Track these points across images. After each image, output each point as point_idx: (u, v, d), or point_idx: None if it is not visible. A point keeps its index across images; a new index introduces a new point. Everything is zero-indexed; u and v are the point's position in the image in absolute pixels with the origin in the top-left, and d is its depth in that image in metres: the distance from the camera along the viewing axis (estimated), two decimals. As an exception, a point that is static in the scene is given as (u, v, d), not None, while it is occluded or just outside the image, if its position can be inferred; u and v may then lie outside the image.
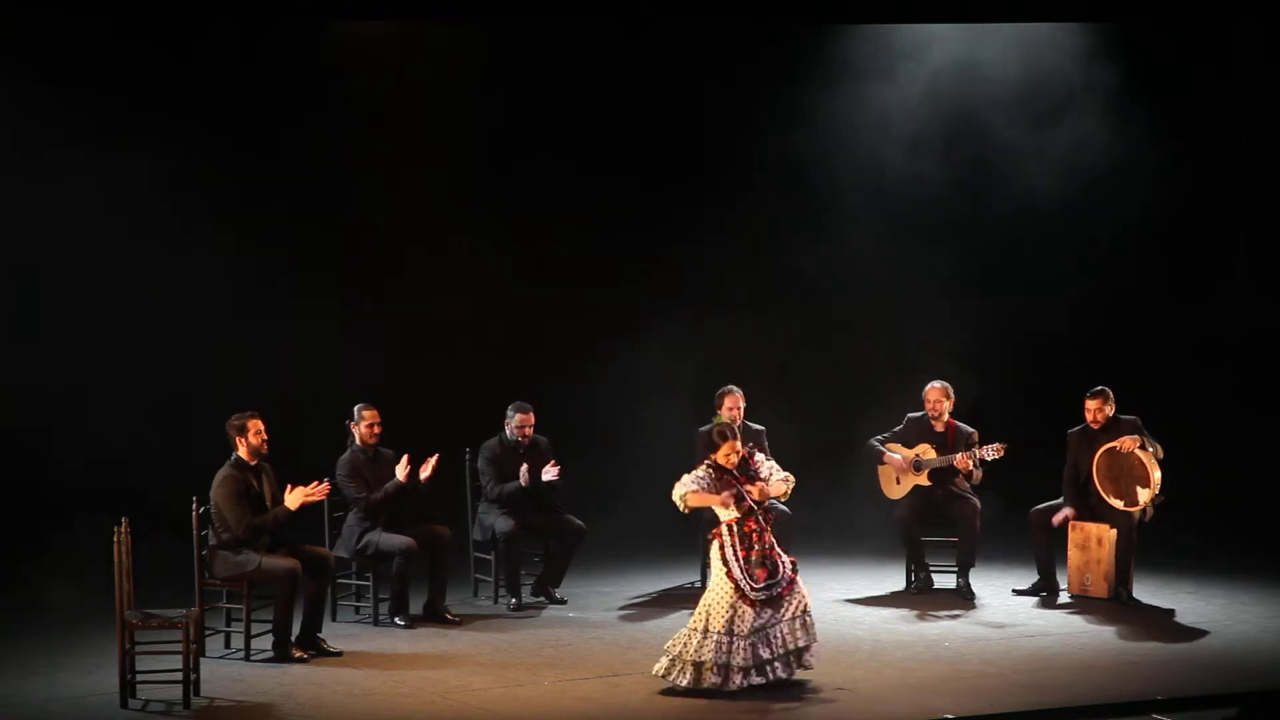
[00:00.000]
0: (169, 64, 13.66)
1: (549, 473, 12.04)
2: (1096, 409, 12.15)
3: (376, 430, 11.68)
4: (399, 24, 14.37)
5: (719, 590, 9.76)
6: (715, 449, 9.95)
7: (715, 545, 9.85)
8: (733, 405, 12.53)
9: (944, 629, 11.43)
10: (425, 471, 11.54)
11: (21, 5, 13.11)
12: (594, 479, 13.65)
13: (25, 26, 13.22)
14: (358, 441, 11.67)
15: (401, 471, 11.50)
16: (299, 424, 12.23)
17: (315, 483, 10.79)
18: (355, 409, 11.72)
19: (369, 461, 11.66)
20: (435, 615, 11.60)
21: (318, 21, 14.13)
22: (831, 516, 13.79)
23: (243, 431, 10.69)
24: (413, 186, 14.41)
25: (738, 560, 9.75)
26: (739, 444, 9.99)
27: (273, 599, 10.55)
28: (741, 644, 9.66)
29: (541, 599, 12.19)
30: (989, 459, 12.09)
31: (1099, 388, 12.22)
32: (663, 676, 9.81)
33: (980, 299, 15.02)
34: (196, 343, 13.77)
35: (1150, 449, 11.91)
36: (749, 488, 9.88)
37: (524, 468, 12.03)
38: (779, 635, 9.76)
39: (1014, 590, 12.44)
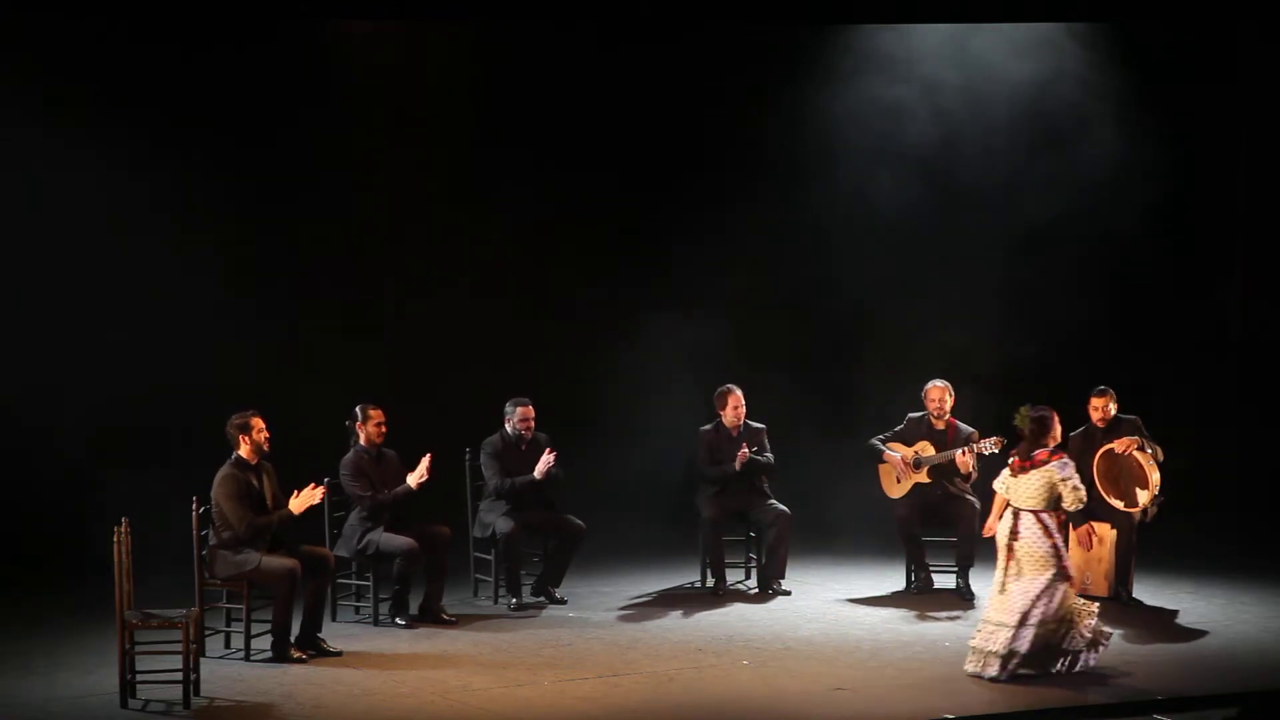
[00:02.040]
0: (169, 64, 13.64)
1: (546, 460, 12.01)
2: (1102, 407, 12.14)
3: (383, 430, 11.65)
4: (400, 24, 14.36)
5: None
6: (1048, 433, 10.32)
7: (1045, 531, 10.24)
8: (736, 404, 12.52)
9: (944, 629, 11.42)
10: (420, 476, 11.52)
11: (21, 5, 13.09)
12: (594, 478, 13.64)
13: (25, 26, 13.21)
14: (362, 441, 11.64)
15: (415, 480, 11.49)
16: (299, 424, 12.22)
17: (312, 485, 10.79)
18: (360, 408, 11.69)
19: (373, 461, 11.63)
20: (431, 616, 11.60)
21: (318, 21, 14.12)
22: (832, 516, 13.77)
23: (245, 430, 10.68)
24: (413, 185, 14.39)
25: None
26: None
27: (272, 599, 10.55)
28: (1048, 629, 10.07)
29: (541, 599, 12.18)
30: (986, 453, 12.08)
31: (1103, 386, 12.22)
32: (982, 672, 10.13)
33: (979, 299, 15.00)
34: (196, 342, 13.75)
35: (1149, 450, 11.91)
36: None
37: (548, 456, 12.02)
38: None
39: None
